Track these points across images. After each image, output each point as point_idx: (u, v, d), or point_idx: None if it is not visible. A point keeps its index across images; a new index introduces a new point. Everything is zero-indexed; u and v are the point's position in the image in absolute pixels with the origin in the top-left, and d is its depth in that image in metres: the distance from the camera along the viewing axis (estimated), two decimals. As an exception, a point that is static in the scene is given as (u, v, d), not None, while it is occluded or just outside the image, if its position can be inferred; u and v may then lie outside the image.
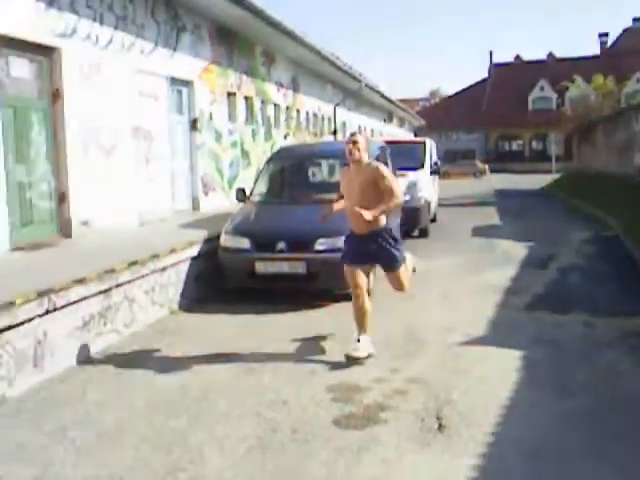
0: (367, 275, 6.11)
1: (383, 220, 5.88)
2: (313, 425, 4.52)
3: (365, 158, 5.91)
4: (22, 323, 5.17)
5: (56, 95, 8.62)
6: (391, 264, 6.01)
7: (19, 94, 8.10)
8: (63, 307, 5.67)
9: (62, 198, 8.65)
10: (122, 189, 9.80)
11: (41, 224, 8.38)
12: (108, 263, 6.59)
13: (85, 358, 5.98)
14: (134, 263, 6.82)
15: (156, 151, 11.11)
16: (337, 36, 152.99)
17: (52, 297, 5.48)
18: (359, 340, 5.78)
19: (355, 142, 5.86)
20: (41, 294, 5.38)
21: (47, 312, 5.45)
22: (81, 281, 5.90)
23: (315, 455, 4.07)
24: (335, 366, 5.65)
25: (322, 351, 6.10)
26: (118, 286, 6.53)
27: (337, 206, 6.26)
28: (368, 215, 5.58)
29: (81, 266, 6.47)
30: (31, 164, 8.22)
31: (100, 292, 6.24)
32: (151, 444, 4.27)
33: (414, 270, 6.78)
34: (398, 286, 6.21)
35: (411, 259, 6.63)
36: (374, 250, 5.90)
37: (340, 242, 7.66)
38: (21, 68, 8.20)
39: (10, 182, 7.73)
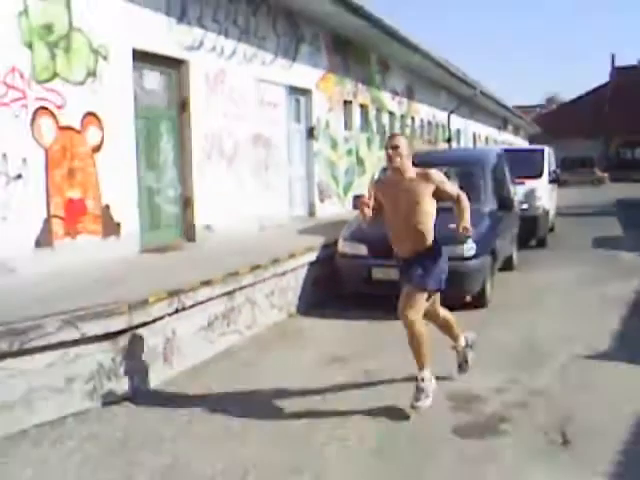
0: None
1: (431, 238, 5.02)
2: (432, 432, 4.53)
3: (409, 165, 5.01)
4: (154, 321, 5.47)
5: (184, 105, 9.05)
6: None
7: (150, 105, 8.56)
8: (191, 307, 5.95)
9: (187, 203, 9.06)
10: (242, 195, 10.15)
11: (167, 228, 8.81)
12: (231, 266, 6.84)
13: (210, 356, 6.23)
14: (256, 267, 7.05)
15: (274, 158, 11.43)
16: (449, 41, 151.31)
17: (181, 297, 5.76)
18: (422, 379, 4.92)
19: (395, 147, 4.94)
20: (171, 294, 5.67)
21: (176, 311, 5.74)
22: (207, 283, 6.17)
23: (435, 463, 4.08)
24: (452, 374, 5.61)
25: (439, 359, 6.06)
26: (241, 289, 6.77)
27: (371, 219, 5.12)
28: (468, 224, 4.88)
29: (206, 269, 6.74)
30: (160, 171, 8.67)
31: (224, 294, 6.49)
32: (274, 442, 4.41)
33: (467, 346, 5.60)
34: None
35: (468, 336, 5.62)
36: (410, 268, 5.00)
37: (461, 250, 7.64)
38: (153, 80, 8.67)
39: (141, 188, 8.19)
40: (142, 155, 8.26)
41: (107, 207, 7.51)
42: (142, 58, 8.21)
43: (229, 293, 6.57)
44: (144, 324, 5.34)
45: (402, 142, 4.99)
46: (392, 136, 5.19)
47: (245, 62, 10.48)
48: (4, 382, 4.51)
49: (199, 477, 3.96)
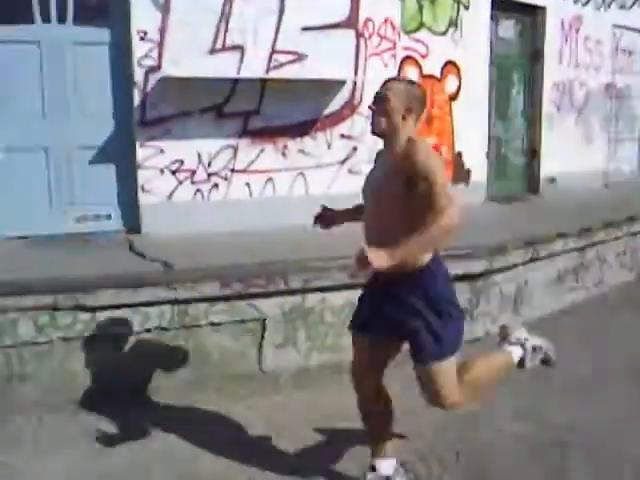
0: (386, 359, 3.14)
1: (423, 256, 2.84)
2: None
3: (401, 132, 2.86)
4: (510, 268, 5.58)
5: (536, 54, 8.86)
6: (418, 348, 2.91)
7: (504, 54, 8.53)
8: (543, 258, 5.95)
9: (533, 155, 8.95)
10: (588, 148, 9.73)
11: (512, 179, 8.83)
12: (580, 222, 6.65)
13: (555, 310, 6.16)
14: (609, 224, 6.78)
15: (626, 111, 10.72)
16: None
17: (537, 247, 5.79)
18: (373, 468, 3.22)
19: (382, 99, 2.86)
20: (528, 243, 5.72)
21: (531, 261, 5.78)
22: (562, 235, 6.11)
23: None
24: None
25: None
26: (593, 245, 6.59)
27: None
28: (380, 258, 2.56)
29: (555, 221, 6.68)
30: (509, 121, 8.68)
31: (576, 249, 6.37)
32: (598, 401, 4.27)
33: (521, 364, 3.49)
34: (428, 395, 3.01)
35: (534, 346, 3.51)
36: (401, 311, 2.90)
37: None
38: (508, 29, 8.62)
39: (490, 137, 8.28)
40: (493, 105, 8.32)
41: (459, 155, 7.75)
42: (499, 6, 8.18)
43: (581, 248, 6.43)
44: (500, 270, 5.48)
45: (394, 92, 2.87)
46: (386, 82, 2.97)
47: (603, 7, 9.88)
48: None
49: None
